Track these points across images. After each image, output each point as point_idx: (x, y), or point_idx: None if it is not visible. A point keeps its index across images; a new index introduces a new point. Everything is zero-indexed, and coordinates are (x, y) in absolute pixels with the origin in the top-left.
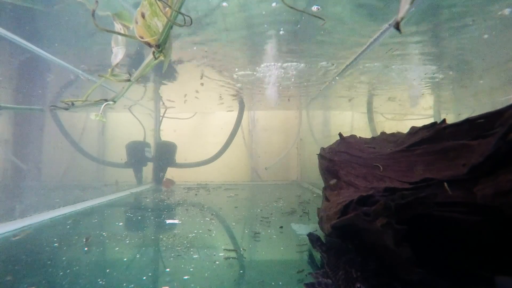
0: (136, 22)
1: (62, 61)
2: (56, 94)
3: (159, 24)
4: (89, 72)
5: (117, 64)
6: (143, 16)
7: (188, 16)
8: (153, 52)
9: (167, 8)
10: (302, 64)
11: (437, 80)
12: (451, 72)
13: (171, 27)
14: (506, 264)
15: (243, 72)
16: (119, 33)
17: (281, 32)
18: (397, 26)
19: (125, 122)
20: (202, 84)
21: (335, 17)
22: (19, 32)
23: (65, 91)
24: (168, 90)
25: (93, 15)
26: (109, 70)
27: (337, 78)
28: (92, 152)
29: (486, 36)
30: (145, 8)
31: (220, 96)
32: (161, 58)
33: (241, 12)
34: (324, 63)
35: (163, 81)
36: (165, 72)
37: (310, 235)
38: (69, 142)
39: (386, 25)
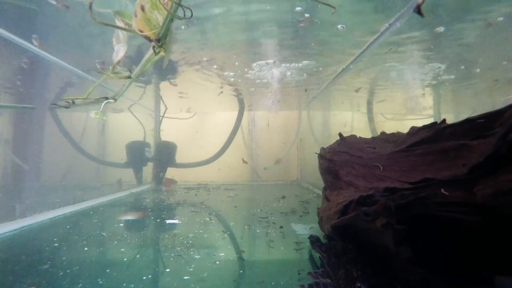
0: (136, 16)
1: (61, 61)
2: (54, 94)
3: (159, 17)
4: (94, 70)
5: (119, 61)
6: (142, 9)
7: (188, 8)
8: (153, 47)
9: (167, 0)
10: (302, 64)
11: (437, 79)
12: (450, 74)
13: (171, 20)
14: (506, 264)
15: (243, 72)
16: (117, 26)
17: (298, 8)
18: (418, 10)
19: (125, 122)
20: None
21: (334, 16)
22: (18, 32)
23: (64, 91)
24: (168, 90)
25: (90, 8)
26: (111, 67)
27: (337, 77)
28: (92, 152)
29: (486, 35)
30: (145, 1)
31: (221, 88)
32: (162, 53)
33: (241, 9)
34: (323, 62)
35: (163, 81)
36: (166, 69)
37: (311, 237)
38: (69, 142)
39: (386, 25)
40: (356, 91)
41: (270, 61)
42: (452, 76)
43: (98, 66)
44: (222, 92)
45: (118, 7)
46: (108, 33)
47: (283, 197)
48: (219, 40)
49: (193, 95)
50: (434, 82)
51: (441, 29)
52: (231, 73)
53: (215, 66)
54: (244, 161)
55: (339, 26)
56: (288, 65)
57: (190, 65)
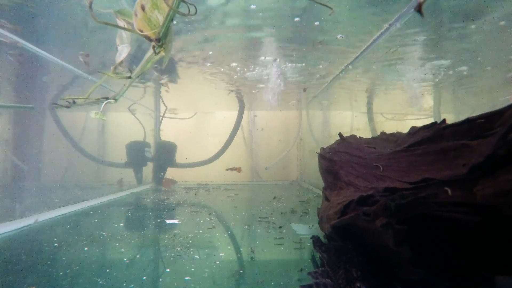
0: (136, 15)
1: (60, 61)
2: (54, 93)
3: (159, 17)
4: (87, 66)
5: (121, 62)
6: (143, 8)
7: (192, 4)
8: (153, 47)
9: None
10: (302, 64)
11: (437, 79)
12: (451, 72)
13: (171, 20)
14: (506, 264)
15: (242, 72)
16: (116, 26)
17: (296, 19)
18: (418, 9)
19: (125, 122)
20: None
21: (334, 16)
22: (18, 32)
23: (64, 91)
24: (169, 92)
25: (90, 7)
26: (112, 67)
27: (337, 76)
28: (92, 152)
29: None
30: (145, 0)
31: (230, 84)
32: (162, 53)
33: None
34: (323, 62)
35: (163, 83)
36: (165, 70)
37: (313, 237)
38: (69, 142)
39: (386, 25)
40: (366, 91)
41: (270, 59)
42: (454, 75)
43: (81, 59)
44: (232, 91)
45: (116, 7)
46: (104, 30)
47: (274, 197)
48: (218, 38)
49: (190, 94)
50: (435, 81)
51: (421, 37)
52: (229, 73)
53: (208, 64)
54: (232, 169)
55: (338, 36)
56: (288, 64)
57: (189, 64)
